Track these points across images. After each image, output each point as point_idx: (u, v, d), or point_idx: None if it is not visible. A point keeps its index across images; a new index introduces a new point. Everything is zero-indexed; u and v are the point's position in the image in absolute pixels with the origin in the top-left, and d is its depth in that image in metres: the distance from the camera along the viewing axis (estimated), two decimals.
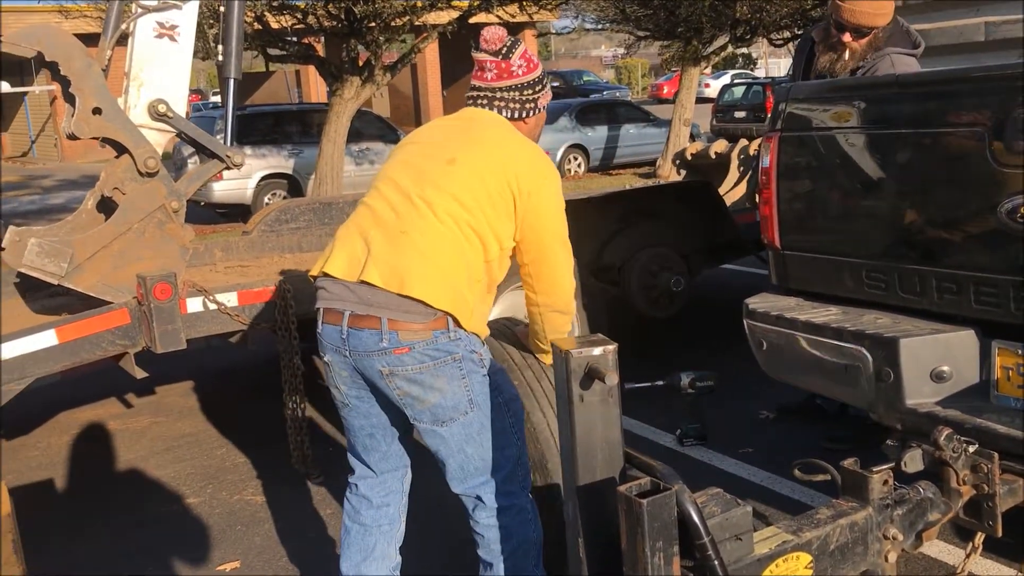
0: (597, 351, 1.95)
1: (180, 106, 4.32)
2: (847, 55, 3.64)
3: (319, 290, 2.43)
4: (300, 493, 4.00)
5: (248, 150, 13.53)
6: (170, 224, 4.09)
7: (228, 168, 4.51)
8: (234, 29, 4.61)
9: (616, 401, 1.98)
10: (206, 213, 14.07)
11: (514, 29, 29.32)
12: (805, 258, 3.11)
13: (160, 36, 4.25)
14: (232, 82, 4.67)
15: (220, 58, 4.64)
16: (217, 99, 34.08)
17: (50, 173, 22.79)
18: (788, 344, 3.02)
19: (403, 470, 2.65)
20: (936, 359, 2.65)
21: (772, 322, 3.07)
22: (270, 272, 5.34)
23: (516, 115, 2.56)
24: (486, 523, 2.47)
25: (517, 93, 2.54)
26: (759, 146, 3.31)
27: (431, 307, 2.28)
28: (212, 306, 3.83)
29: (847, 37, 3.63)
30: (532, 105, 2.57)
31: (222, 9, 4.64)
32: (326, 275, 2.40)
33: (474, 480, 2.45)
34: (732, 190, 6.04)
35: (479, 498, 2.46)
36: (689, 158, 6.92)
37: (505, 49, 2.53)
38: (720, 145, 6.69)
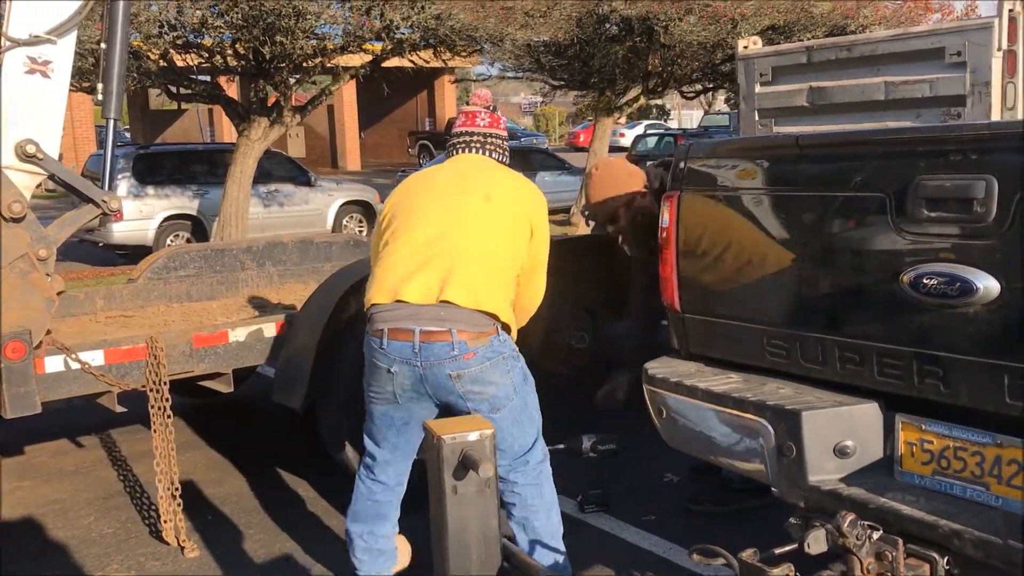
0: (473, 436, 1.76)
1: (52, 147, 4.01)
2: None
3: (383, 312, 2.90)
4: (170, 569, 3.68)
5: (151, 190, 13.07)
6: (34, 274, 3.76)
7: (105, 214, 4.21)
8: (115, 67, 4.33)
9: (493, 492, 1.78)
10: (105, 255, 13.51)
11: (432, 74, 29.37)
12: (706, 322, 2.98)
13: (31, 72, 3.95)
14: (112, 122, 4.38)
15: (100, 97, 4.35)
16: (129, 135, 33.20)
17: None
18: (687, 413, 2.87)
19: (412, 456, 3.14)
20: (839, 433, 2.53)
21: (671, 389, 2.92)
22: (155, 323, 5.03)
23: (501, 158, 3.16)
24: (525, 482, 3.02)
25: (501, 141, 3.17)
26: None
27: (495, 318, 2.88)
28: (75, 365, 3.52)
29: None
30: (507, 154, 3.20)
31: (103, 45, 4.35)
32: (400, 301, 2.87)
33: (518, 453, 3.00)
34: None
35: (523, 464, 3.01)
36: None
37: (492, 106, 3.24)
38: None
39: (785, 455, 2.57)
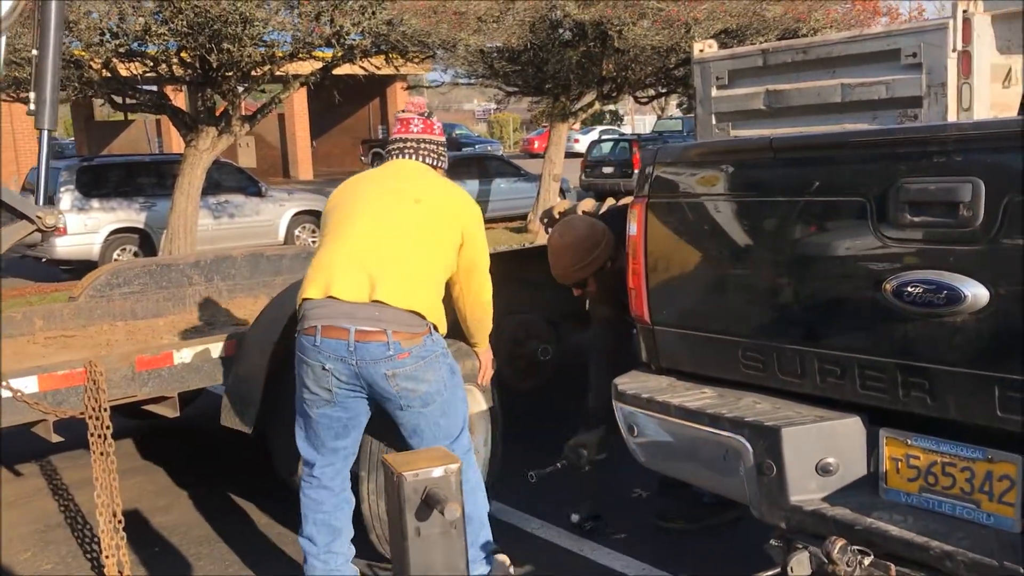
0: (437, 472, 1.59)
1: None
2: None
3: (315, 309, 2.93)
4: None
5: (96, 203, 12.70)
6: None
7: (40, 230, 3.98)
8: (48, 75, 4.08)
9: (460, 534, 1.62)
10: (49, 270, 13.10)
11: (385, 81, 29.10)
12: (677, 334, 2.85)
13: None
14: (46, 134, 4.13)
15: (33, 107, 4.11)
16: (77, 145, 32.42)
17: None
18: (660, 431, 2.73)
19: (352, 458, 3.19)
20: (821, 450, 2.41)
21: (643, 405, 2.78)
22: (98, 343, 4.79)
23: (436, 163, 3.24)
24: None
25: (435, 146, 3.23)
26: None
27: (425, 319, 2.93)
28: (6, 393, 3.28)
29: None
30: (444, 160, 3.28)
31: (35, 52, 4.11)
32: (332, 297, 2.90)
33: (445, 442, 3.03)
34: None
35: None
36: (557, 216, 6.68)
37: (427, 112, 3.27)
38: (587, 204, 6.46)
39: (765, 474, 2.44)
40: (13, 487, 4.82)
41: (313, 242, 14.75)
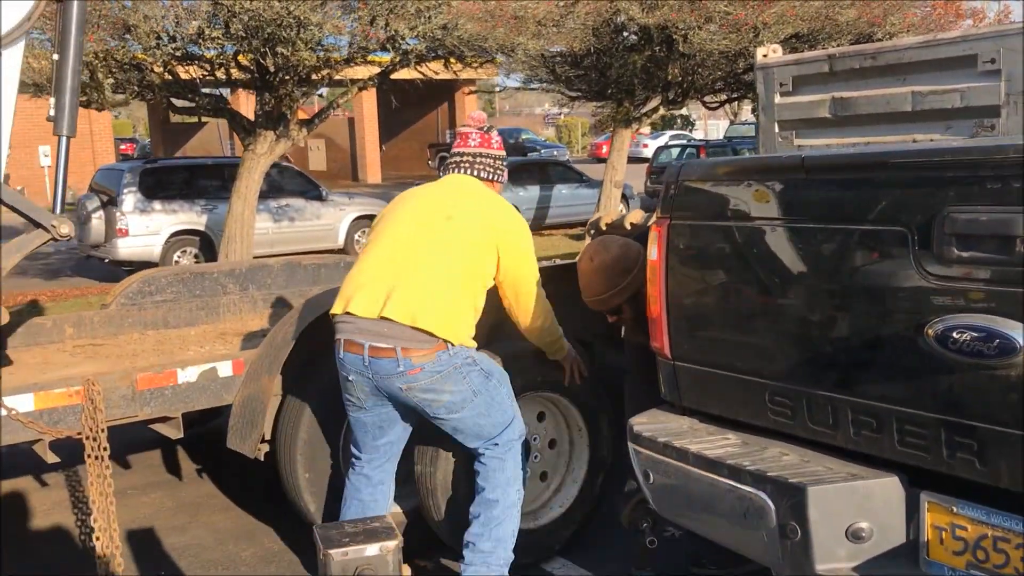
0: (372, 550, 1.36)
1: None
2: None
3: (341, 324, 3.03)
4: None
5: (158, 205, 12.82)
6: None
7: (55, 240, 3.88)
8: (68, 80, 3.98)
9: None
10: (112, 271, 13.27)
11: (452, 86, 29.07)
12: (700, 372, 2.57)
13: None
14: (65, 140, 4.03)
15: (52, 112, 4.01)
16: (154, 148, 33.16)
17: None
18: (676, 479, 2.46)
19: (397, 457, 3.28)
20: (853, 513, 2.11)
21: (659, 450, 2.51)
22: (125, 352, 4.70)
23: (490, 176, 3.29)
24: (490, 456, 3.14)
25: (491, 160, 3.28)
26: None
27: (433, 336, 2.92)
28: (2, 411, 3.16)
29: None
30: (501, 173, 3.32)
31: (55, 57, 4.02)
32: (349, 313, 2.99)
33: (487, 437, 3.12)
34: None
35: (492, 445, 3.12)
36: (604, 228, 6.41)
37: (487, 127, 3.33)
38: (636, 215, 6.17)
39: (788, 537, 2.16)
40: (41, 496, 4.75)
41: None
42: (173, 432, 3.61)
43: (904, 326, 2.01)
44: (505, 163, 3.38)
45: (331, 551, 1.34)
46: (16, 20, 3.71)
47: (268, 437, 3.60)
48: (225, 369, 3.60)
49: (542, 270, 3.35)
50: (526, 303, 3.25)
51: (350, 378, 3.04)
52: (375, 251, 3.11)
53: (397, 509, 3.65)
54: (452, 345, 2.98)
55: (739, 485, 2.26)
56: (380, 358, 2.93)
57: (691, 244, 2.55)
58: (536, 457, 3.77)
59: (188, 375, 3.51)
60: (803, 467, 2.22)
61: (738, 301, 2.45)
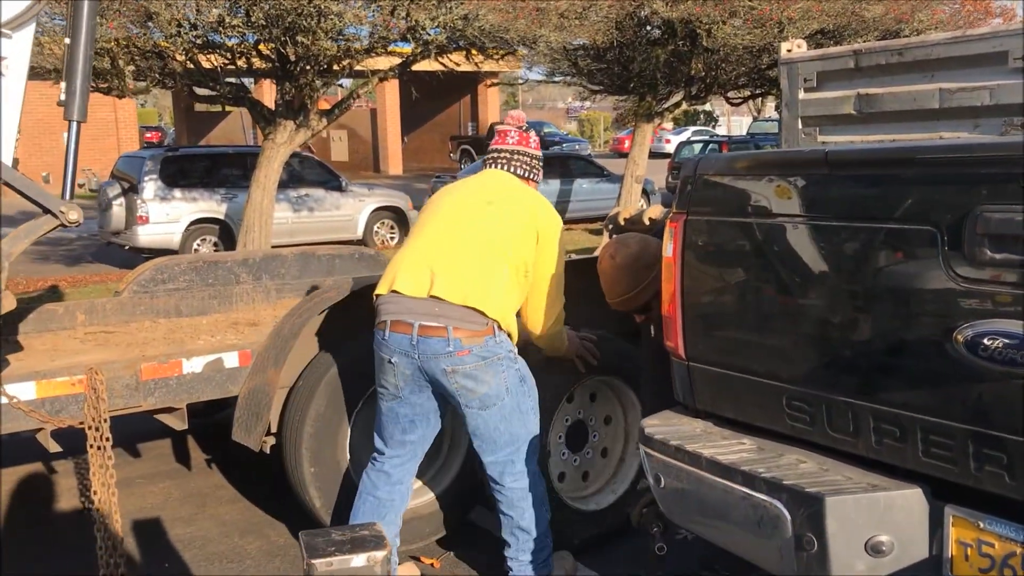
0: (359, 560, 1.29)
1: (6, 151, 3.63)
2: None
3: (384, 304, 3.03)
4: None
5: (178, 193, 12.83)
6: None
7: (63, 226, 3.83)
8: (79, 64, 3.92)
9: None
10: (133, 258, 13.29)
11: (475, 78, 28.96)
12: (715, 374, 2.48)
13: None
14: (76, 125, 3.98)
15: (63, 97, 3.96)
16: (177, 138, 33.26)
17: None
18: (688, 485, 2.37)
19: (419, 459, 3.26)
20: (873, 525, 2.01)
21: (671, 454, 2.42)
22: (136, 340, 4.65)
23: (526, 174, 3.33)
24: (511, 484, 3.11)
25: (528, 159, 3.34)
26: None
27: (485, 316, 2.93)
28: (2, 399, 3.12)
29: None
30: (537, 172, 3.38)
31: (67, 40, 3.96)
32: (395, 292, 3.00)
33: (504, 451, 3.09)
34: None
35: (508, 464, 3.10)
36: (622, 223, 6.31)
37: (525, 127, 3.39)
38: (655, 211, 6.05)
39: (804, 548, 2.06)
40: (48, 483, 4.72)
41: (392, 238, 14.67)
42: (177, 423, 3.56)
43: (931, 331, 1.91)
44: (541, 163, 3.42)
45: (315, 560, 1.26)
46: (22, 5, 3.66)
47: (274, 430, 3.54)
48: (231, 360, 3.54)
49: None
50: (551, 301, 3.23)
51: (392, 360, 3.01)
52: (419, 237, 3.15)
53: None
54: (499, 330, 2.99)
55: (754, 493, 2.17)
56: (430, 337, 2.93)
57: (708, 241, 2.46)
58: (595, 436, 3.89)
59: (193, 365, 3.46)
60: (821, 476, 2.12)
61: (756, 301, 2.36)
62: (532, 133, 3.42)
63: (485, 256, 3.03)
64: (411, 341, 2.95)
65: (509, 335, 3.07)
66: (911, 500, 2.01)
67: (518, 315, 3.21)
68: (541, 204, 3.24)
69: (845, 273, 2.09)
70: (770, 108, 39.05)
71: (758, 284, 2.35)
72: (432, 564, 3.70)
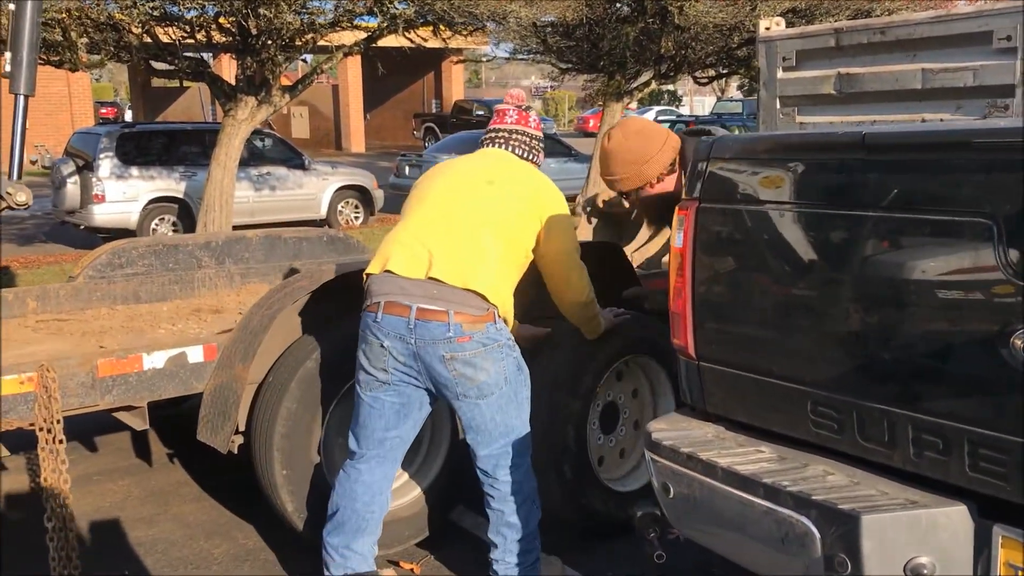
0: None
1: None
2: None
3: (376, 284, 2.87)
4: None
5: (135, 171, 12.43)
6: None
7: (11, 208, 3.56)
8: (26, 34, 3.64)
9: None
10: (88, 238, 12.86)
11: (439, 55, 28.55)
12: (729, 375, 2.29)
13: None
14: (23, 99, 3.69)
15: (8, 68, 3.66)
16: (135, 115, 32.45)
17: None
18: (701, 496, 2.18)
19: (398, 461, 3.09)
20: (913, 546, 1.84)
21: (682, 462, 2.23)
22: (92, 328, 4.37)
23: (525, 155, 3.19)
24: (504, 478, 2.97)
25: (527, 139, 3.21)
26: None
27: (486, 301, 2.81)
28: None
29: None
30: (536, 153, 3.23)
31: (11, 7, 3.66)
32: (389, 272, 2.84)
33: (498, 442, 2.95)
34: (644, 247, 5.22)
35: (503, 456, 2.96)
36: (600, 205, 6.12)
37: (525, 106, 3.28)
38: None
39: (836, 571, 1.88)
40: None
41: (356, 218, 14.36)
42: (138, 422, 3.31)
43: (983, 333, 1.73)
44: (542, 143, 3.28)
45: None
46: None
47: (242, 429, 3.31)
48: (195, 354, 3.29)
49: None
50: (570, 277, 3.13)
51: (384, 344, 2.84)
52: (414, 216, 3.00)
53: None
54: (498, 316, 2.88)
55: (778, 507, 1.99)
56: (429, 321, 2.78)
57: (723, 231, 2.26)
58: (625, 412, 3.83)
59: (155, 360, 3.20)
60: (853, 490, 1.94)
61: (779, 298, 2.17)
62: (532, 113, 3.30)
63: (485, 238, 2.91)
64: (408, 324, 2.79)
65: (506, 321, 2.94)
66: (955, 518, 1.83)
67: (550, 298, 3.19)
68: (544, 186, 3.12)
69: (885, 268, 1.91)
70: (733, 88, 39.05)
71: (781, 279, 2.16)
72: (412, 569, 3.50)
